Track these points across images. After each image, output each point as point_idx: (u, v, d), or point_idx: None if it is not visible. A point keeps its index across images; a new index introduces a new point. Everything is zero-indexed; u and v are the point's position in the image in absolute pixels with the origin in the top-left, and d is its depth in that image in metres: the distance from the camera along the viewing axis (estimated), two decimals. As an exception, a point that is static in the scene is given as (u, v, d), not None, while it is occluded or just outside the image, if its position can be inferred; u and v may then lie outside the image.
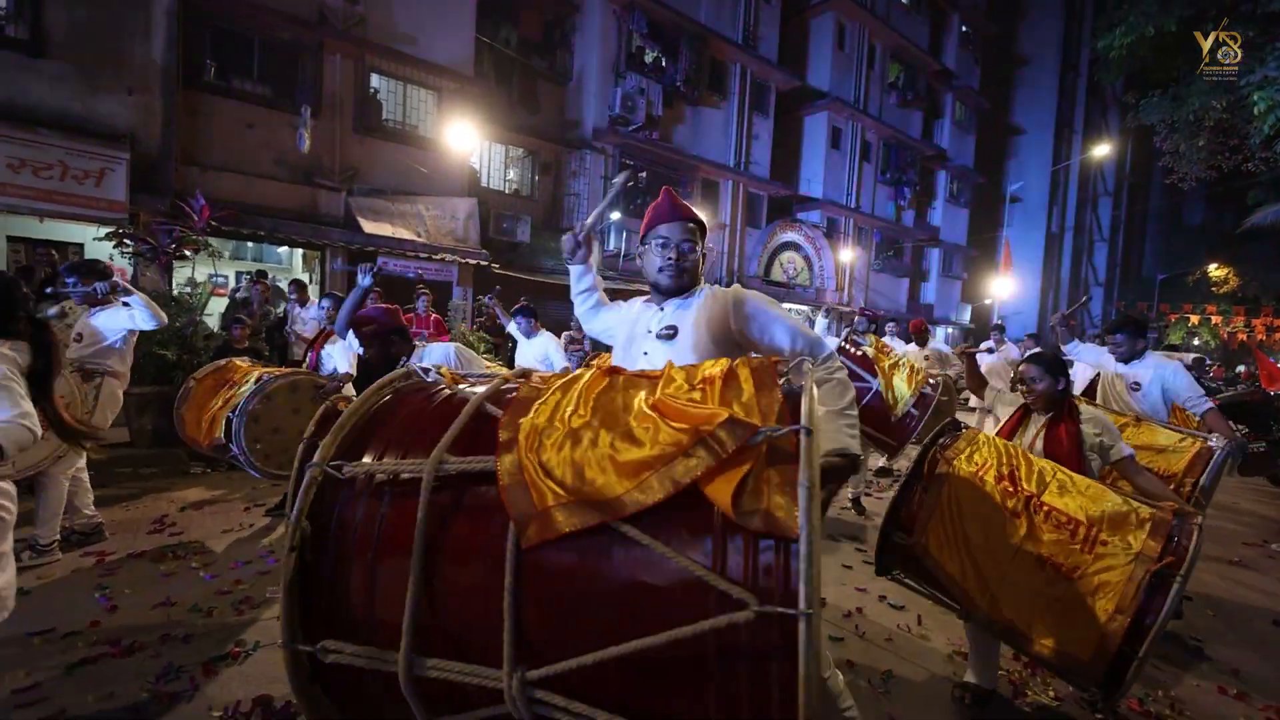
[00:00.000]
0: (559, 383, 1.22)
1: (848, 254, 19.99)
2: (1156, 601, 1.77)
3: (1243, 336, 29.02)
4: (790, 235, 19.27)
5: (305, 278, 12.16)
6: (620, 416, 1.08)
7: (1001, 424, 2.80)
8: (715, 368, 1.17)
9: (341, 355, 4.33)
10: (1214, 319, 29.25)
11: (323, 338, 4.75)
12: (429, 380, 1.41)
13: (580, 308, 2.09)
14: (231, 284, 10.23)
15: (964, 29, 24.93)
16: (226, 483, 5.02)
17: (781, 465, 0.95)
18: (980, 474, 2.16)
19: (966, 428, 2.43)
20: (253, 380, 4.10)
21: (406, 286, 9.29)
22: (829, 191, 20.07)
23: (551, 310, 10.53)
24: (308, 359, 4.73)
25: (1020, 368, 2.68)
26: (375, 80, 11.21)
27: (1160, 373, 3.56)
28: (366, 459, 1.15)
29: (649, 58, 15.61)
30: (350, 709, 1.14)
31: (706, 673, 0.90)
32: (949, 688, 2.60)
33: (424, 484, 1.03)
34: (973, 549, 2.05)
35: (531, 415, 1.11)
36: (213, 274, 8.46)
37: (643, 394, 1.14)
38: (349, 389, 4.33)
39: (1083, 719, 2.50)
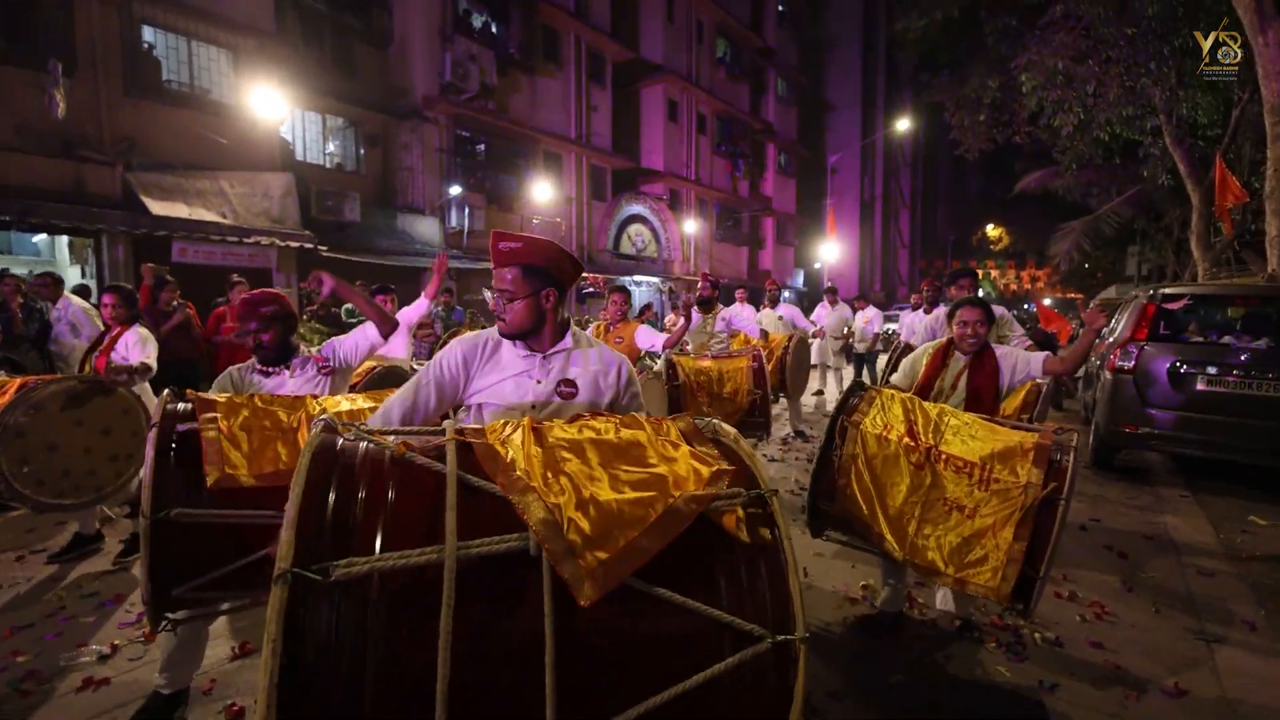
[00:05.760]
0: (506, 435, 1.18)
1: (691, 225, 20.63)
2: (1047, 523, 1.98)
3: (1014, 287, 34.50)
4: (636, 208, 19.45)
5: (76, 271, 10.13)
6: (614, 470, 1.13)
7: (921, 369, 2.94)
8: (670, 428, 1.28)
9: (140, 346, 3.74)
10: (993, 273, 34.43)
11: (111, 338, 3.91)
12: (351, 436, 1.16)
13: None
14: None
15: (780, 8, 26.46)
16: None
17: (756, 508, 1.13)
18: (885, 434, 2.31)
19: (868, 389, 2.51)
20: (13, 391, 3.24)
21: (213, 277, 8.02)
22: (670, 164, 20.49)
23: (394, 295, 9.66)
24: (92, 364, 3.86)
25: (962, 314, 2.83)
26: (148, 33, 9.43)
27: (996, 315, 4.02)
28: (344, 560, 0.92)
29: (477, 22, 14.70)
30: None
31: (725, 699, 1.00)
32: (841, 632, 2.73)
33: (446, 579, 0.90)
34: (888, 507, 2.23)
35: (528, 479, 1.07)
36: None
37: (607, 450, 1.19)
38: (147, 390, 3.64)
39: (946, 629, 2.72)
